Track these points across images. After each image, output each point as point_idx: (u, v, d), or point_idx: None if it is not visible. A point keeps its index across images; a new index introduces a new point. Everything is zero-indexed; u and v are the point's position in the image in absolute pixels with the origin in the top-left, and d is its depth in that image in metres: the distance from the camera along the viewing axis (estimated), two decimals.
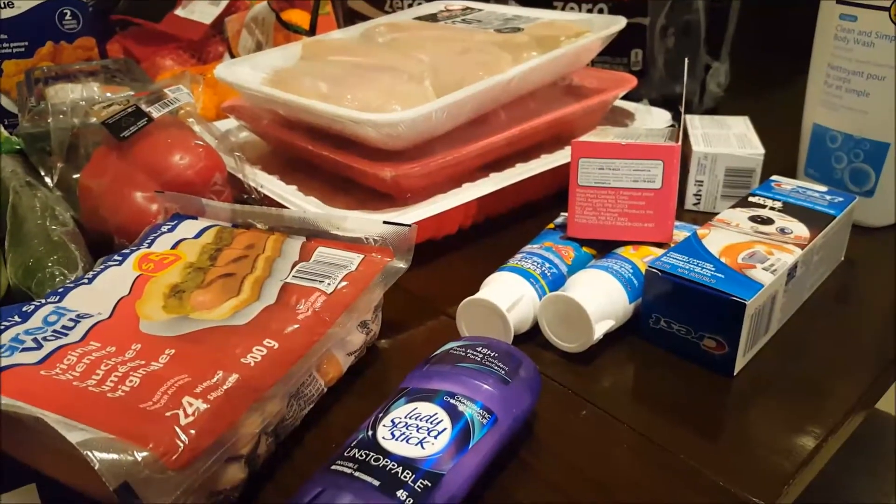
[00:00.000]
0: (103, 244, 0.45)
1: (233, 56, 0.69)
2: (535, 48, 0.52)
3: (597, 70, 0.64)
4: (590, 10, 0.67)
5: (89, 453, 0.24)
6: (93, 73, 0.65)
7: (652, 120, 0.61)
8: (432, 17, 0.62)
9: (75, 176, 0.49)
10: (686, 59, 0.52)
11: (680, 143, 0.41)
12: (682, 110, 0.47)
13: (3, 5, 0.66)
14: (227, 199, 0.47)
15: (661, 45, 0.67)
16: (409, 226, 0.37)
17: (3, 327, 0.32)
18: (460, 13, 0.62)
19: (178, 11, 0.81)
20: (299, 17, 0.71)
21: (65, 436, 0.24)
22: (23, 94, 0.61)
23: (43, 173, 0.50)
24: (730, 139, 0.53)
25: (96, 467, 0.24)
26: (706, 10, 0.68)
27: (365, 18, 0.81)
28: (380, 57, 0.52)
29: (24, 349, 0.30)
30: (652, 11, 0.65)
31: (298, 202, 0.46)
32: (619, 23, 0.56)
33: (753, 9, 0.78)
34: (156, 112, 0.46)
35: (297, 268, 0.36)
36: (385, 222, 0.37)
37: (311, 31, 0.66)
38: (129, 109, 0.46)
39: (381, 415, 0.29)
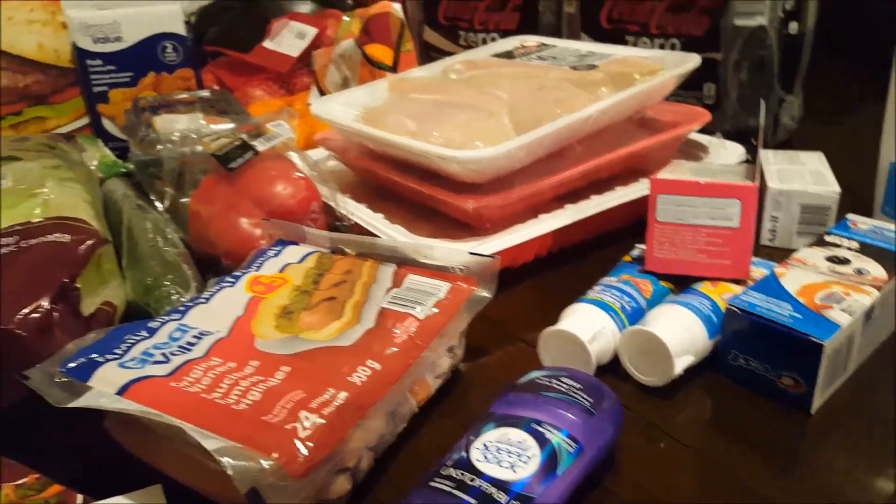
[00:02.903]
0: (209, 264, 0.48)
1: (320, 88, 0.73)
2: (610, 86, 0.54)
3: (670, 103, 0.65)
4: (662, 46, 0.69)
5: (224, 460, 0.27)
6: (191, 103, 0.70)
7: (726, 153, 0.62)
8: (509, 54, 0.64)
9: (182, 200, 0.53)
10: (762, 100, 0.53)
11: (758, 182, 0.42)
12: (759, 149, 0.48)
13: (112, 39, 0.72)
14: (321, 225, 0.51)
15: (734, 79, 0.68)
16: (492, 257, 0.39)
17: (133, 341, 0.35)
18: (535, 50, 0.65)
19: (266, 44, 0.86)
20: (381, 51, 0.74)
21: (203, 444, 0.27)
22: (131, 121, 0.66)
23: (153, 197, 0.55)
24: (804, 175, 0.53)
25: (230, 473, 0.27)
26: (779, 44, 0.68)
27: (439, 51, 0.84)
28: (460, 94, 0.54)
29: (155, 362, 0.34)
30: (725, 46, 0.66)
31: (386, 230, 0.49)
32: (693, 61, 0.57)
33: (826, 40, 0.78)
34: (261, 146, 0.50)
35: (391, 293, 0.39)
36: (470, 253, 0.40)
37: (394, 67, 0.69)
38: (237, 143, 0.50)
39: (472, 437, 0.31)
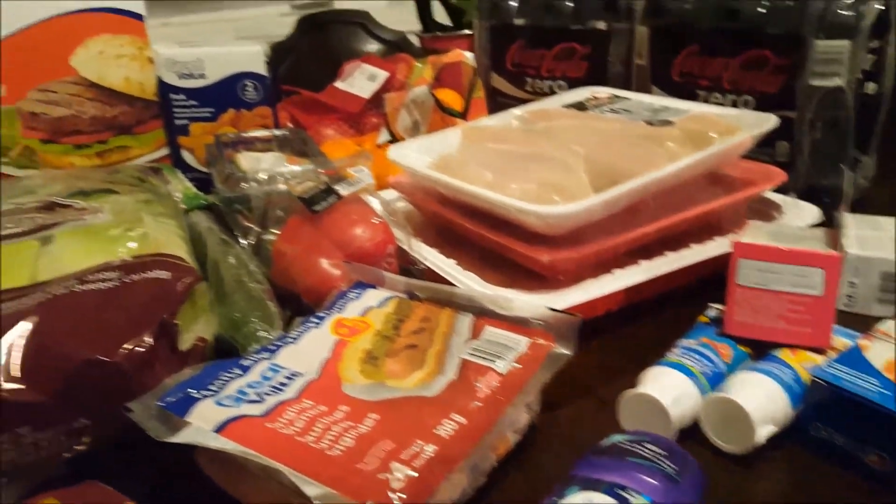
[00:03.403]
0: (288, 301, 0.50)
1: (390, 131, 0.76)
2: (687, 144, 0.55)
3: (743, 160, 0.66)
4: (734, 102, 0.70)
5: None
6: (268, 141, 0.74)
7: (800, 213, 0.62)
8: (581, 106, 0.66)
9: (265, 237, 0.56)
10: (843, 165, 0.53)
11: (841, 251, 0.42)
12: (841, 215, 0.48)
13: (196, 76, 0.76)
14: (394, 268, 0.53)
15: (808, 137, 0.68)
16: (574, 315, 0.40)
17: (227, 378, 0.37)
18: (608, 102, 0.66)
19: (338, 84, 0.90)
20: (451, 97, 0.77)
21: (303, 489, 0.29)
22: (213, 155, 0.70)
23: (236, 232, 0.57)
24: (884, 241, 0.53)
25: None
26: (856, 105, 0.68)
27: (506, 96, 0.87)
28: (536, 146, 0.56)
29: (249, 401, 0.35)
30: (800, 105, 0.67)
31: (459, 276, 0.51)
32: (771, 122, 0.58)
33: None
34: (343, 190, 0.52)
35: (470, 345, 0.40)
36: (550, 309, 0.41)
37: (464, 114, 0.71)
38: (321, 186, 0.52)
39: (556, 499, 0.32)
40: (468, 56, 0.75)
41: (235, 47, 0.77)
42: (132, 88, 0.76)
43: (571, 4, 0.81)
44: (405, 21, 1.42)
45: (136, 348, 0.37)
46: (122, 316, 0.38)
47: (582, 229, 0.50)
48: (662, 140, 0.55)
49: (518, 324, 0.41)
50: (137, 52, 0.75)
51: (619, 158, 0.52)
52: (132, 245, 0.44)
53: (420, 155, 0.58)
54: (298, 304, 0.50)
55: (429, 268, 0.53)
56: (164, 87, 0.76)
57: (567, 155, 0.53)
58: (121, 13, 0.74)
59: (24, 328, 0.37)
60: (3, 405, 0.35)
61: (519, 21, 0.83)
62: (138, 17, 0.75)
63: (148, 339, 0.37)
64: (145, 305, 0.39)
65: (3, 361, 0.35)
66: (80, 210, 0.48)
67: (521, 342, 0.40)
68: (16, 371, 0.35)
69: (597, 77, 0.78)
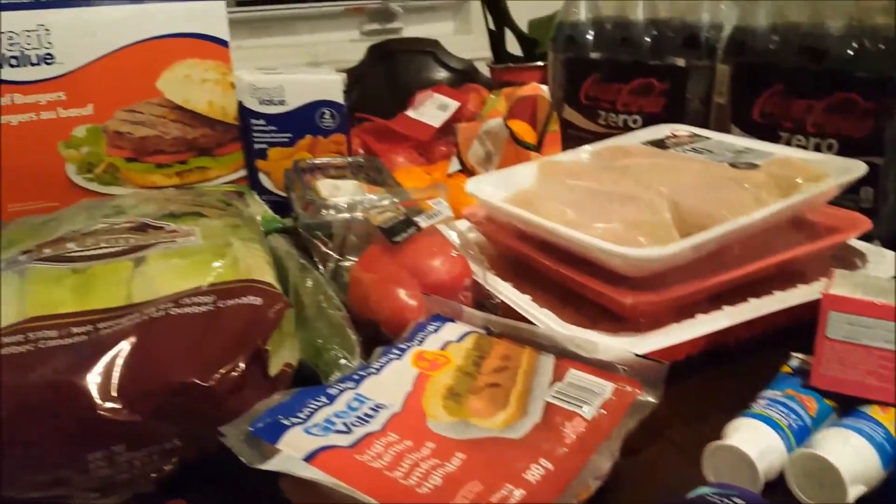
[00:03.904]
0: (365, 329, 0.51)
1: (462, 161, 0.77)
2: (774, 189, 0.54)
3: (827, 206, 0.64)
4: (818, 146, 0.68)
5: None
6: (342, 167, 0.76)
7: (883, 262, 0.60)
8: (660, 144, 0.66)
9: (343, 264, 0.57)
10: None
11: None
12: None
13: (276, 102, 0.79)
14: (469, 301, 0.53)
15: (895, 185, 0.67)
16: (660, 362, 0.40)
17: (314, 406, 0.38)
18: (688, 140, 0.66)
19: (410, 112, 0.92)
20: (522, 128, 0.78)
21: None
22: (290, 179, 0.72)
23: (315, 258, 0.59)
24: None
25: None
26: None
27: (578, 128, 0.87)
28: (618, 184, 0.56)
29: (336, 431, 0.36)
30: (889, 152, 0.65)
31: (536, 313, 0.51)
32: (859, 169, 0.57)
33: None
34: (423, 222, 0.53)
35: (554, 388, 0.40)
36: (637, 355, 0.41)
37: (539, 147, 0.72)
38: (401, 217, 0.53)
39: None
40: (544, 89, 0.76)
41: (315, 76, 0.80)
42: (214, 112, 0.79)
43: (649, 40, 0.82)
44: (471, 49, 1.44)
45: (231, 373, 0.38)
46: (216, 341, 0.40)
47: (665, 272, 0.49)
48: (748, 184, 0.54)
49: (602, 368, 0.41)
50: (221, 77, 0.79)
51: (705, 202, 0.52)
52: (224, 270, 0.45)
53: (496, 188, 0.59)
54: (374, 332, 0.51)
55: (503, 302, 0.54)
56: (244, 112, 0.80)
57: (651, 195, 0.53)
58: (207, 39, 0.78)
59: (122, 349, 0.39)
60: (101, 423, 0.36)
61: (595, 54, 0.84)
62: (223, 43, 0.78)
63: (241, 365, 0.39)
64: (239, 331, 0.40)
65: (101, 381, 0.37)
66: (172, 232, 0.50)
67: (606, 387, 0.40)
68: (114, 391, 0.37)
69: (674, 114, 0.78)
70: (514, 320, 0.46)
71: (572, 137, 0.84)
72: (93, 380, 0.37)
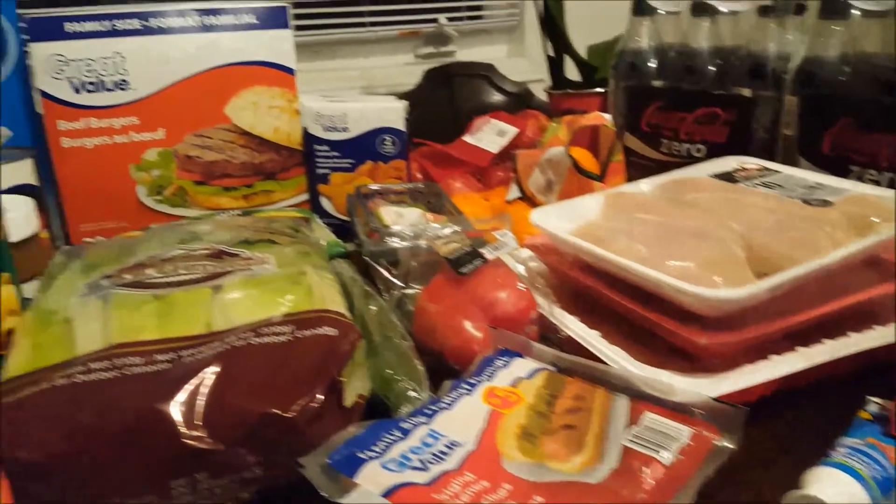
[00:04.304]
0: (425, 357, 0.51)
1: (521, 188, 0.78)
2: (849, 228, 0.53)
3: None
4: (892, 181, 0.67)
5: None
6: (401, 193, 0.77)
7: None
8: (729, 177, 0.65)
9: (406, 292, 0.58)
10: None
11: None
12: None
13: (339, 129, 0.81)
14: (534, 335, 0.53)
15: None
16: (740, 407, 0.40)
17: (389, 440, 0.39)
18: (758, 174, 0.65)
19: (467, 138, 0.93)
20: (583, 156, 0.78)
21: None
22: (353, 205, 0.73)
23: (379, 285, 0.60)
24: None
25: None
26: None
27: (640, 157, 0.87)
28: (688, 219, 0.56)
29: (413, 468, 0.37)
30: None
31: (605, 350, 0.51)
32: None
33: None
34: (489, 254, 0.53)
35: (631, 431, 0.40)
36: (715, 399, 0.40)
37: (602, 177, 0.72)
38: (467, 249, 0.54)
39: None
40: (608, 118, 0.76)
41: (378, 103, 0.82)
42: (280, 137, 0.81)
43: (714, 69, 0.81)
44: (524, 71, 1.45)
45: (309, 404, 0.39)
46: (295, 371, 0.41)
47: (738, 312, 0.49)
48: (823, 223, 0.53)
49: (679, 411, 0.41)
50: (287, 104, 0.81)
51: (779, 241, 0.51)
52: (299, 299, 0.47)
53: (562, 220, 0.59)
54: (436, 362, 0.52)
55: (569, 336, 0.54)
56: (309, 138, 0.82)
57: (724, 232, 0.52)
58: (274, 67, 0.80)
59: (205, 377, 0.40)
60: (186, 451, 0.37)
61: (657, 82, 0.84)
62: (290, 71, 0.81)
63: (319, 396, 0.39)
64: (316, 362, 0.41)
65: (185, 409, 0.38)
66: (247, 260, 0.52)
67: (683, 432, 0.39)
68: (198, 419, 0.38)
69: (739, 144, 0.77)
70: (585, 359, 0.46)
71: (633, 164, 0.84)
72: (178, 408, 0.38)
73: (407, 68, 1.43)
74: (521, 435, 0.40)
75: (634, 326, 0.54)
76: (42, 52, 0.73)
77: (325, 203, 0.83)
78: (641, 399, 0.42)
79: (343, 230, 0.79)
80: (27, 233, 0.58)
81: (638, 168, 0.83)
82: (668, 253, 0.50)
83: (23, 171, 0.66)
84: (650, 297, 0.51)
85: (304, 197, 0.84)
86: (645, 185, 0.67)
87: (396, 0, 1.42)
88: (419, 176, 0.90)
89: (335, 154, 0.82)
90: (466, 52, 1.50)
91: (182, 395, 0.39)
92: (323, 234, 0.72)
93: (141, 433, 0.37)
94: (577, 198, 0.63)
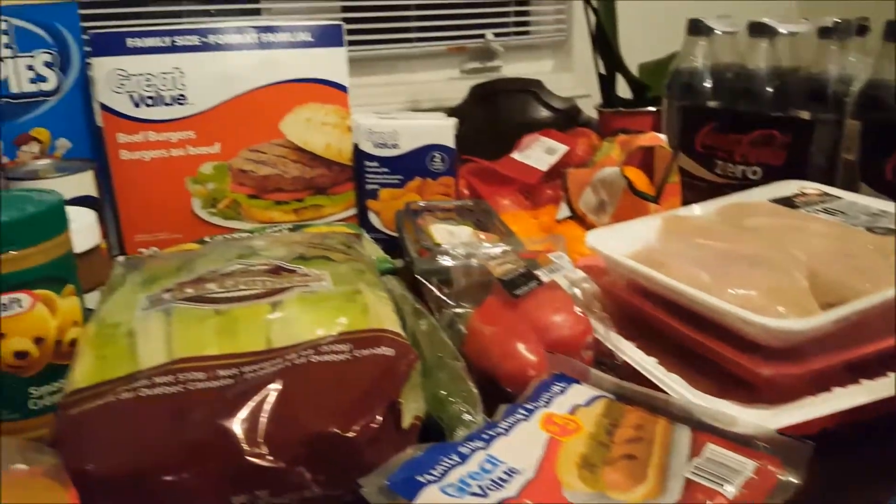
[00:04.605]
0: (476, 378, 0.51)
1: (572, 208, 0.77)
2: None
3: None
4: None
5: None
6: (449, 210, 0.77)
7: None
8: (789, 202, 0.64)
9: (457, 311, 0.58)
10: None
11: None
12: None
13: (389, 146, 0.82)
14: (589, 360, 0.53)
15: None
16: (806, 442, 0.39)
17: (447, 464, 0.39)
18: (818, 200, 0.64)
19: (515, 155, 0.93)
20: (637, 177, 0.77)
21: None
22: (403, 222, 0.74)
23: (430, 304, 0.60)
24: None
25: None
26: None
27: (693, 178, 0.86)
28: (749, 245, 0.55)
29: (472, 493, 0.37)
30: None
31: (664, 378, 0.50)
32: None
33: None
34: (544, 276, 0.53)
35: (693, 463, 0.39)
36: (780, 433, 0.40)
37: (657, 198, 0.72)
38: (521, 270, 0.54)
39: None
40: (663, 139, 0.76)
41: (428, 121, 0.83)
42: (331, 153, 0.83)
43: (771, 90, 0.80)
44: (570, 87, 1.45)
45: (369, 425, 0.39)
46: (354, 391, 0.41)
47: (802, 343, 0.48)
48: (889, 253, 0.52)
49: (742, 444, 0.40)
50: (339, 120, 0.82)
51: (844, 271, 0.50)
52: (357, 317, 0.47)
53: (618, 243, 0.59)
54: (487, 384, 0.52)
55: (625, 362, 0.53)
56: (359, 154, 0.83)
57: (787, 260, 0.51)
58: (328, 84, 0.82)
59: (267, 395, 0.41)
60: (248, 468, 0.38)
61: (713, 103, 0.83)
62: (344, 88, 0.82)
63: (379, 417, 0.40)
64: (374, 382, 0.42)
65: (248, 426, 0.39)
66: (304, 276, 0.53)
67: (747, 465, 0.39)
68: (261, 436, 0.39)
69: (796, 168, 0.76)
70: (644, 387, 0.45)
71: (686, 185, 0.83)
72: (240, 425, 0.39)
73: (452, 83, 1.44)
74: (581, 464, 0.39)
75: (692, 354, 0.53)
76: (104, 67, 0.76)
77: (373, 218, 0.84)
78: (703, 430, 0.42)
79: (390, 245, 0.80)
80: (90, 244, 0.60)
81: (691, 189, 0.83)
82: (730, 280, 0.50)
83: (85, 182, 0.68)
84: (709, 324, 0.50)
85: (352, 212, 0.85)
86: (699, 209, 0.66)
87: (443, 16, 1.43)
88: (465, 192, 0.90)
89: (384, 170, 0.83)
90: (512, 67, 1.50)
91: (244, 412, 0.39)
92: (372, 250, 0.73)
93: (205, 449, 0.38)
94: (633, 220, 0.63)
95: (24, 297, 0.48)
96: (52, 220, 0.50)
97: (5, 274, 0.47)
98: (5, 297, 0.47)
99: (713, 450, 0.40)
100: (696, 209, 0.65)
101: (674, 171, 0.72)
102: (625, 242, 0.60)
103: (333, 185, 0.84)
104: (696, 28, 0.87)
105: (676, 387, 0.49)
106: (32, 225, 0.48)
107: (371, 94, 1.37)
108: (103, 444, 0.39)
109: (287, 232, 0.72)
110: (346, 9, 1.38)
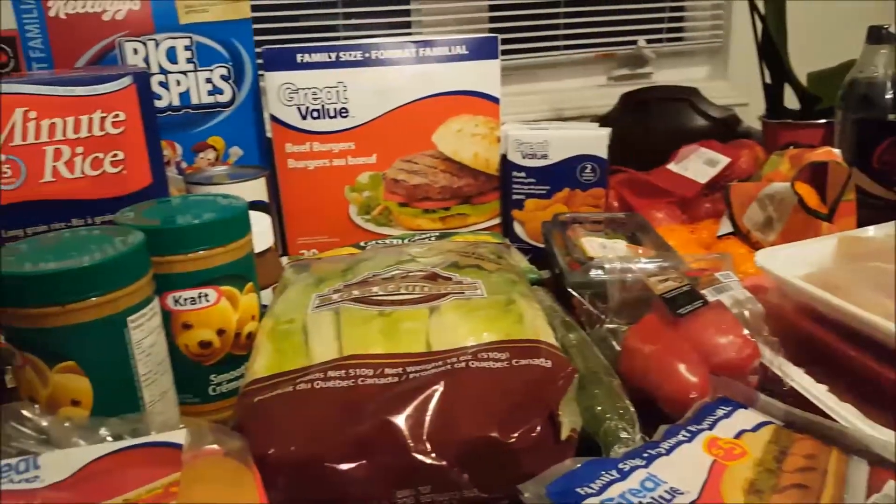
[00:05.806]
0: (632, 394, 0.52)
1: (735, 223, 0.75)
2: None
3: None
4: None
5: None
6: (598, 222, 0.78)
7: None
8: None
9: (609, 326, 0.59)
10: None
11: None
12: None
13: (538, 156, 0.84)
14: (754, 385, 0.52)
15: None
16: None
17: (607, 480, 0.40)
18: None
19: (672, 166, 0.92)
20: (808, 193, 0.74)
21: None
22: (552, 234, 0.76)
23: (581, 318, 0.61)
24: None
25: None
26: None
27: (868, 195, 0.81)
28: None
29: None
30: None
31: (837, 408, 0.48)
32: None
33: None
34: (710, 296, 0.53)
35: (871, 500, 0.38)
36: None
37: (830, 216, 0.68)
38: (685, 288, 0.54)
39: None
40: (838, 154, 0.72)
41: (580, 131, 0.84)
42: (479, 163, 0.86)
43: None
44: (726, 95, 1.40)
45: (529, 433, 0.41)
46: (513, 399, 0.43)
47: None
48: None
49: None
50: (489, 131, 0.85)
51: None
52: (512, 327, 0.49)
53: (791, 264, 0.57)
54: (645, 404, 0.52)
55: (793, 389, 0.52)
56: (507, 165, 0.85)
57: None
58: (481, 96, 0.85)
59: (431, 395, 0.43)
60: (413, 464, 0.41)
61: (893, 116, 0.78)
62: (495, 100, 0.85)
63: (538, 427, 0.41)
64: (533, 392, 0.43)
65: (413, 423, 0.42)
66: (459, 283, 0.55)
67: None
68: (425, 434, 0.42)
69: None
70: (818, 415, 0.44)
71: (861, 203, 0.78)
72: (407, 422, 0.42)
73: (597, 91, 1.44)
74: (748, 489, 0.39)
75: (867, 384, 0.50)
76: (275, 81, 0.83)
77: (518, 228, 0.86)
78: (882, 465, 0.40)
79: (535, 256, 0.81)
80: (265, 245, 0.66)
81: (866, 208, 0.78)
82: None
83: (259, 188, 0.75)
84: (889, 353, 0.48)
85: (496, 221, 0.87)
86: (873, 231, 0.63)
87: (594, 22, 1.43)
88: (615, 204, 0.90)
89: (532, 180, 0.84)
90: (663, 74, 1.47)
91: (409, 409, 0.43)
92: (518, 260, 0.75)
93: (375, 441, 0.42)
94: (807, 240, 0.61)
95: (211, 293, 0.54)
96: (238, 223, 0.56)
97: (196, 271, 0.53)
98: (195, 292, 0.53)
99: (894, 487, 0.38)
100: (871, 231, 0.61)
101: (850, 189, 0.69)
102: (797, 263, 0.57)
103: (479, 195, 0.87)
104: (878, 36, 0.82)
105: (851, 417, 0.47)
106: (221, 227, 0.54)
107: (513, 102, 1.39)
108: (282, 431, 0.43)
109: (436, 240, 0.76)
110: (493, 19, 1.41)
